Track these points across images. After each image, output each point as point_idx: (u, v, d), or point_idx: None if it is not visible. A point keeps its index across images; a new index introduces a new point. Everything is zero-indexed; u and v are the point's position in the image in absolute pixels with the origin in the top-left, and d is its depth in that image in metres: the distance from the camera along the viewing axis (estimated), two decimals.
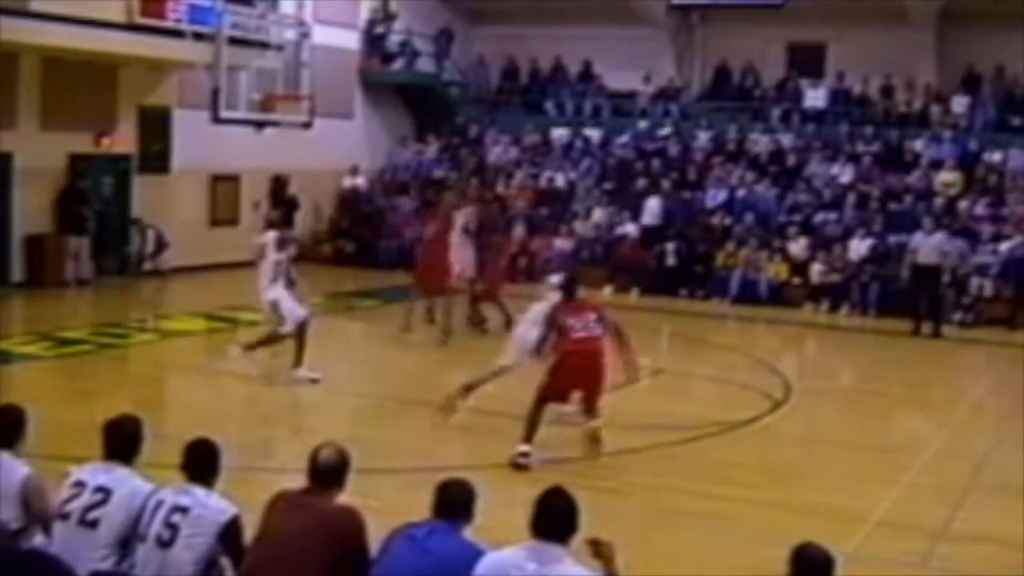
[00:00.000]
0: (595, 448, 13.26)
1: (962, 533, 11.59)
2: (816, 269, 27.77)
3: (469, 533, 6.71)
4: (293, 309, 16.68)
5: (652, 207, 30.20)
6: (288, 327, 16.65)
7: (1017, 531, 11.41)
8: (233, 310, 22.83)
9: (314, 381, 16.48)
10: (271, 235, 17.01)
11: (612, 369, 13.37)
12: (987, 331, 24.98)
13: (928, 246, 24.94)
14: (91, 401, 14.49)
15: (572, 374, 13.12)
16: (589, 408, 13.22)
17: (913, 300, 24.83)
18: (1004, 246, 27.13)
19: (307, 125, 26.66)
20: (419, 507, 6.81)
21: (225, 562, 6.91)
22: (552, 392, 13.09)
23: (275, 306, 16.70)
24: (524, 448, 12.81)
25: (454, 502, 6.76)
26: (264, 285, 16.76)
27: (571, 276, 14.85)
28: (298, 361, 16.66)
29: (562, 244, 29.98)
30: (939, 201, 28.90)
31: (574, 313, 13.37)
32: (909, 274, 25.41)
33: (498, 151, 34.35)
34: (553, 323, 13.40)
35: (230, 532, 6.91)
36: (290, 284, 16.90)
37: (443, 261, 20.94)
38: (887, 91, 33.12)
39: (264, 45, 25.28)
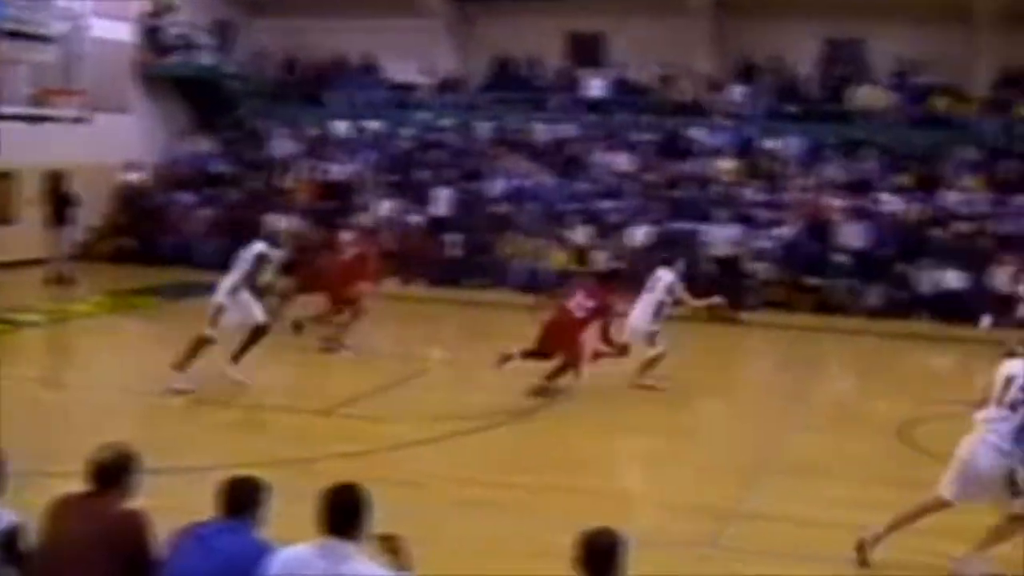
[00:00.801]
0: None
1: (752, 513, 11.81)
2: (599, 256, 28.05)
3: (261, 531, 6.60)
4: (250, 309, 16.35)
5: (441, 197, 30.21)
6: (257, 317, 16.32)
7: (804, 509, 11.70)
8: (11, 311, 22.21)
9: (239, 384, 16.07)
10: (262, 246, 16.64)
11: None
12: (767, 314, 25.50)
13: (721, 238, 25.47)
14: None
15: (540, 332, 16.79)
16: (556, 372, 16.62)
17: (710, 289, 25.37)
18: (781, 231, 27.78)
19: (83, 119, 26.05)
20: (211, 506, 6.67)
21: (9, 571, 6.69)
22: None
23: (239, 306, 16.29)
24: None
25: (242, 500, 6.62)
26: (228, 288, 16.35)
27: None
28: (236, 358, 16.32)
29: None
30: (718, 188, 29.49)
31: (581, 293, 17.11)
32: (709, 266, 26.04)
33: (279, 145, 33.97)
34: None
35: (12, 541, 6.69)
36: (256, 292, 16.51)
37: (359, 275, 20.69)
38: (666, 80, 33.61)
39: (39, 38, 24.62)
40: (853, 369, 19.98)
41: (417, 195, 30.86)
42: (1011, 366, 9.99)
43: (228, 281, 16.36)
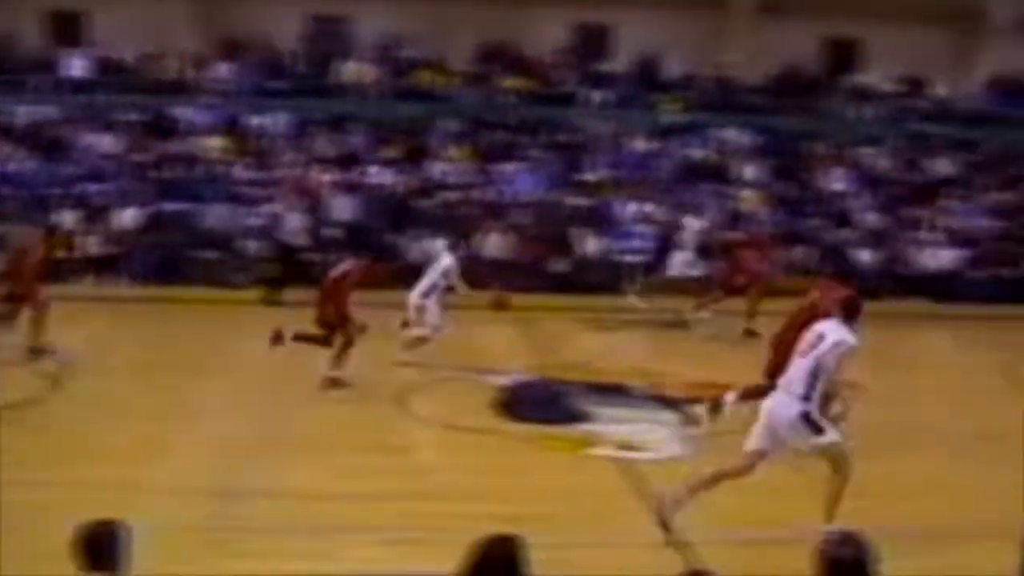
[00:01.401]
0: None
1: (258, 489, 11.86)
2: (89, 241, 27.43)
3: None
4: None
5: None
6: None
7: (311, 482, 12.00)
8: None
9: None
10: None
11: None
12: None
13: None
14: None
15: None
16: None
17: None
18: (271, 208, 27.93)
19: None
20: None
21: None
22: None
23: None
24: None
25: None
26: None
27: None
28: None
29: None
30: (209, 167, 29.38)
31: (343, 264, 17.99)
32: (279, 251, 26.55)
33: None
34: None
35: None
36: None
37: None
38: (150, 59, 33.13)
39: None
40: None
41: None
42: (821, 325, 10.60)
43: None
